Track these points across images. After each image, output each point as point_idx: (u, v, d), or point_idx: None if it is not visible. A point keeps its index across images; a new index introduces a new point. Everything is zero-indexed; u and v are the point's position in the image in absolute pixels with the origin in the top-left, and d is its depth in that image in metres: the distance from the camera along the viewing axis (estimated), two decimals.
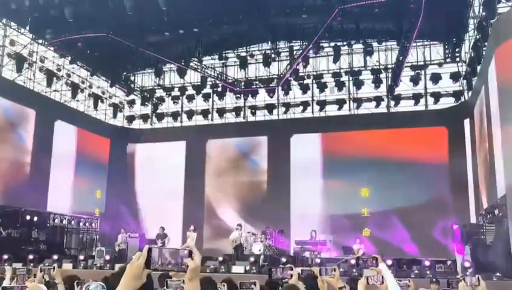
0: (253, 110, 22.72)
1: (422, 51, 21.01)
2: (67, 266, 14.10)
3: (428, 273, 12.41)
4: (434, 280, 8.77)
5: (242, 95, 22.46)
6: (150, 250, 1.71)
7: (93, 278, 4.45)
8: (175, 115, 23.65)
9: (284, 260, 13.82)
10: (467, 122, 19.13)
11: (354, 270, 11.29)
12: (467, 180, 18.58)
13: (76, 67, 21.98)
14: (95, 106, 23.04)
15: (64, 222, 18.95)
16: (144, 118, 24.33)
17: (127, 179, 22.52)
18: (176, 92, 23.56)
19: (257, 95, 22.35)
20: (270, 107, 22.29)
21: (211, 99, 23.04)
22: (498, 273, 11.27)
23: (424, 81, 20.55)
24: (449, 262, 13.15)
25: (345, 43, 20.76)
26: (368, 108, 21.08)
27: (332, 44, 20.61)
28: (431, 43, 21.01)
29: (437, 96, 20.14)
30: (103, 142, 23.16)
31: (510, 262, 11.30)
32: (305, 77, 21.62)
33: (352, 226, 19.15)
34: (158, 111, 24.05)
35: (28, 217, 17.11)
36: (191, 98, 23.11)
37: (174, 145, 23.06)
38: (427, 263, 12.91)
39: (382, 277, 3.13)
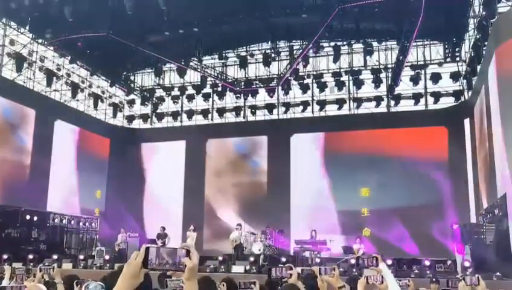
0: (253, 110, 22.72)
1: (422, 51, 21.01)
2: (67, 265, 14.09)
3: (428, 273, 12.40)
4: (434, 279, 8.76)
5: (242, 95, 22.45)
6: (147, 249, 1.70)
7: (93, 278, 4.44)
8: (175, 115, 23.66)
9: (283, 259, 13.82)
10: (467, 122, 19.12)
11: (354, 270, 11.28)
12: (467, 180, 18.58)
13: (76, 66, 21.99)
14: (95, 106, 23.04)
15: (64, 221, 18.93)
16: (144, 117, 24.33)
17: (126, 178, 22.49)
18: (175, 92, 23.56)
19: (257, 95, 22.35)
20: (270, 107, 22.29)
21: (210, 99, 23.03)
22: (498, 273, 11.26)
23: (424, 80, 20.54)
24: (449, 262, 13.14)
25: (345, 42, 20.76)
26: (368, 108, 21.09)
27: (332, 44, 20.61)
28: (431, 42, 21.01)
29: (437, 96, 20.13)
30: (103, 142, 23.15)
31: (510, 262, 11.29)
32: (305, 77, 21.61)
33: (352, 226, 19.15)
34: (158, 111, 24.05)
35: (27, 217, 17.10)
36: (190, 98, 23.11)
37: (174, 145, 23.07)
38: (427, 263, 12.90)
39: (382, 277, 3.12)
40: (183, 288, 1.84)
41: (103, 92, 23.82)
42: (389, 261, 12.01)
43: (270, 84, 21.98)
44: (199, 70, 22.54)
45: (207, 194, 22.10)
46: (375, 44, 20.21)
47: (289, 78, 20.93)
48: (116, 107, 24.22)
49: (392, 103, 20.83)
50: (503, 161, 12.88)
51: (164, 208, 21.81)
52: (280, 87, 21.50)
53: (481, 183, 17.03)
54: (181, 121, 23.80)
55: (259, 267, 13.60)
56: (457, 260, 13.52)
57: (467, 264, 12.31)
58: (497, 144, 13.69)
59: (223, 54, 22.36)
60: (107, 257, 14.87)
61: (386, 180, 19.06)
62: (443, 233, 16.67)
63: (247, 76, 22.77)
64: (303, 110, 21.81)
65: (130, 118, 24.53)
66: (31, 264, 12.76)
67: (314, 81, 21.63)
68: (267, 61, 21.38)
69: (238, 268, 13.63)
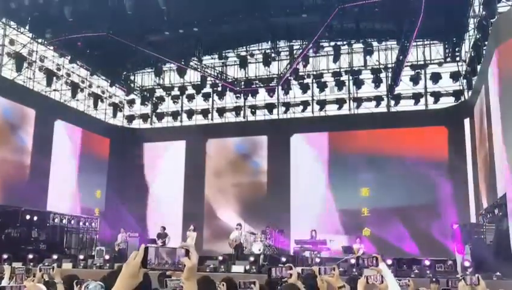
0: (253, 110, 22.71)
1: (422, 51, 21.01)
2: (67, 265, 14.08)
3: (428, 272, 12.39)
4: (434, 279, 8.75)
5: (242, 95, 22.45)
6: (146, 249, 1.70)
7: (92, 278, 4.43)
8: (175, 115, 23.65)
9: (283, 259, 13.81)
10: (467, 121, 19.12)
11: (354, 269, 11.28)
12: (467, 180, 18.58)
13: (76, 66, 21.98)
14: (95, 106, 23.03)
15: (64, 221, 18.93)
16: (144, 117, 24.32)
17: (126, 178, 22.49)
18: (175, 92, 23.56)
19: (257, 95, 22.34)
20: (270, 107, 22.29)
21: (210, 99, 23.03)
22: (498, 273, 11.26)
23: (424, 80, 20.54)
24: (449, 262, 13.13)
25: (345, 42, 20.75)
26: (368, 107, 21.08)
27: (332, 43, 20.61)
28: (431, 42, 21.00)
29: (437, 95, 20.13)
30: (103, 142, 23.15)
31: (510, 262, 11.29)
32: (305, 77, 21.61)
33: (352, 226, 19.16)
34: (158, 111, 24.05)
35: (27, 217, 17.10)
36: (190, 98, 23.11)
37: (174, 144, 23.06)
38: (427, 263, 12.89)
39: (382, 277, 3.12)
40: (183, 288, 1.84)
41: (103, 92, 23.82)
42: (389, 261, 12.01)
43: (270, 84, 21.97)
44: (199, 70, 22.53)
45: (207, 194, 22.10)
46: (375, 44, 20.21)
47: (289, 78, 20.93)
48: (116, 107, 24.21)
49: (392, 102, 20.83)
50: (503, 161, 12.86)
51: (164, 208, 21.81)
52: (280, 87, 21.50)
53: (481, 183, 17.03)
54: (181, 121, 23.80)
55: (259, 267, 13.59)
56: (457, 259, 13.52)
57: (467, 264, 12.30)
58: (497, 144, 13.68)
59: (223, 54, 22.36)
60: (107, 257, 14.86)
61: (386, 180, 19.07)
62: (443, 233, 16.67)
63: (247, 76, 22.76)
64: (303, 110, 21.81)
65: (130, 118, 24.53)
66: (31, 264, 12.75)
67: (314, 81, 21.63)
68: (267, 61, 21.37)
69: (238, 268, 13.62)
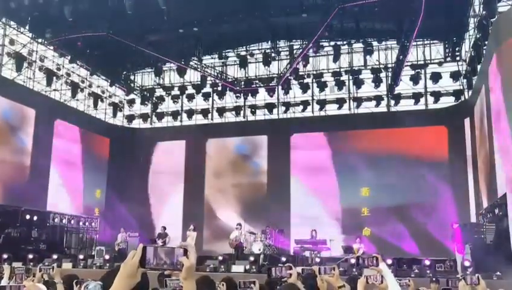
0: (253, 110, 22.72)
1: (423, 50, 21.00)
2: (67, 265, 14.08)
3: (428, 272, 12.39)
4: (434, 279, 8.75)
5: (242, 94, 22.45)
6: (144, 249, 1.69)
7: (92, 278, 4.43)
8: (175, 115, 23.65)
9: (283, 259, 13.81)
10: (467, 121, 19.10)
11: (354, 269, 11.27)
12: (467, 180, 18.57)
13: (76, 66, 21.98)
14: (95, 105, 23.03)
15: (64, 221, 18.93)
16: (144, 117, 24.32)
17: (126, 178, 22.49)
18: (175, 91, 23.56)
19: (257, 94, 22.35)
20: (270, 107, 22.29)
21: (210, 99, 23.03)
22: (498, 273, 11.25)
23: (424, 80, 20.53)
24: (449, 261, 13.14)
25: (345, 42, 20.74)
26: (368, 107, 21.08)
27: (332, 43, 20.60)
28: (431, 42, 20.99)
29: (437, 95, 20.12)
30: (103, 142, 23.15)
31: (510, 261, 11.28)
32: (305, 76, 21.60)
33: (352, 226, 19.15)
34: (158, 110, 24.04)
35: (27, 217, 17.10)
36: (190, 98, 23.11)
37: (174, 144, 23.06)
38: (427, 263, 12.89)
39: (382, 277, 3.11)
40: (182, 288, 1.83)
41: (103, 92, 23.81)
42: (389, 261, 12.00)
43: (270, 84, 21.97)
44: (199, 69, 22.52)
45: (207, 194, 22.09)
46: (375, 43, 20.21)
47: (289, 77, 20.92)
48: (116, 107, 24.21)
49: (392, 102, 20.82)
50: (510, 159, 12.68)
51: (164, 208, 21.81)
52: (280, 87, 21.49)
53: (481, 183, 17.01)
54: (181, 121, 23.80)
55: (259, 267, 13.59)
56: (457, 259, 13.52)
57: (467, 263, 12.30)
58: (497, 143, 13.66)
59: (223, 54, 22.35)
60: (107, 257, 14.86)
61: (386, 179, 19.05)
62: (443, 233, 16.66)
63: (247, 75, 22.76)
64: (303, 110, 21.80)
65: (130, 118, 24.52)
66: (31, 264, 12.75)
67: (314, 80, 21.63)
68: (267, 60, 21.37)
69: (238, 268, 13.62)
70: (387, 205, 18.87)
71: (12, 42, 19.49)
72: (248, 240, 16.22)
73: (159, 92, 24.16)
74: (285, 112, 22.21)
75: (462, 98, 20.01)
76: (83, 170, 21.23)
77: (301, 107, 21.75)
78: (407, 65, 19.87)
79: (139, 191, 22.67)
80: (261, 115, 22.79)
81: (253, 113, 22.79)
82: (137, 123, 24.66)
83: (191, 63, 22.46)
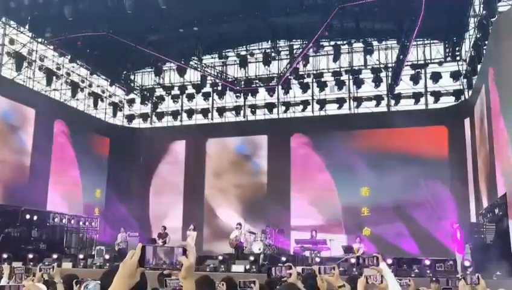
0: (253, 109, 22.71)
1: (423, 50, 20.99)
2: (67, 265, 14.09)
3: (429, 272, 12.39)
4: (434, 279, 8.76)
5: (242, 94, 22.45)
6: (143, 248, 1.68)
7: (92, 277, 4.43)
8: (175, 114, 23.65)
9: (283, 259, 13.81)
10: (467, 121, 19.09)
11: (354, 269, 11.27)
12: (467, 180, 18.56)
13: (76, 66, 21.98)
14: (95, 105, 23.03)
15: (64, 221, 18.91)
16: (144, 117, 24.31)
17: (126, 178, 22.47)
18: (175, 91, 23.56)
19: (257, 94, 22.35)
20: (270, 106, 22.28)
21: (210, 98, 23.03)
22: (498, 273, 11.25)
23: (424, 80, 20.53)
24: (449, 261, 13.13)
25: (345, 42, 20.73)
26: (368, 107, 21.07)
27: (332, 43, 20.60)
28: (431, 41, 20.99)
29: (437, 95, 20.12)
30: (103, 141, 23.15)
31: (510, 261, 11.28)
32: (305, 76, 21.59)
33: (352, 225, 19.15)
34: (158, 110, 24.04)
35: (27, 216, 17.08)
36: (190, 97, 23.11)
37: (174, 144, 23.05)
38: (427, 262, 12.89)
39: (381, 276, 3.11)
40: (182, 287, 1.82)
41: (103, 92, 23.81)
42: (389, 261, 12.01)
43: (270, 84, 21.96)
44: (199, 69, 22.51)
45: (207, 194, 22.09)
46: (375, 43, 20.21)
47: (289, 77, 20.91)
48: (116, 107, 24.21)
49: (392, 102, 20.82)
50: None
51: (164, 208, 21.80)
52: (280, 87, 21.49)
53: (481, 183, 17.01)
54: (181, 121, 23.79)
55: (259, 267, 13.59)
56: (457, 259, 13.52)
57: (467, 263, 12.30)
58: (497, 143, 13.65)
59: (223, 53, 22.35)
60: (107, 257, 14.87)
61: (386, 179, 19.03)
62: (443, 233, 16.66)
63: (247, 75, 22.75)
64: (303, 110, 21.80)
65: (130, 118, 24.51)
66: (31, 263, 12.75)
67: (314, 80, 21.62)
68: (267, 60, 21.36)
69: (238, 267, 13.62)
70: (387, 204, 18.87)
71: (12, 42, 19.48)
72: (248, 240, 16.22)
73: (159, 91, 24.16)
74: (285, 111, 22.21)
75: (462, 98, 20.01)
76: (83, 170, 21.21)
77: (301, 106, 21.75)
78: (407, 65, 19.86)
79: (139, 191, 22.68)
80: (261, 114, 22.79)
81: (253, 113, 22.78)
82: (137, 123, 24.66)
83: (191, 62, 22.46)
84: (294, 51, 21.22)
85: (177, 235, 19.27)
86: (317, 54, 21.25)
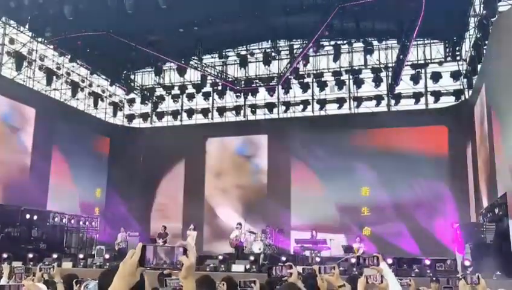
0: (253, 109, 22.71)
1: (423, 50, 20.98)
2: (67, 264, 14.09)
3: (429, 272, 12.41)
4: (434, 278, 8.76)
5: (242, 94, 22.45)
6: (144, 248, 1.68)
7: (92, 277, 4.43)
8: (175, 114, 23.65)
9: (284, 258, 13.81)
10: (467, 121, 19.08)
11: (355, 269, 11.27)
12: (467, 179, 18.57)
13: (76, 65, 21.98)
14: (95, 105, 23.03)
15: (64, 220, 18.91)
16: (144, 116, 24.32)
17: (126, 177, 22.48)
18: (176, 91, 23.56)
19: (257, 94, 22.36)
20: (270, 106, 22.28)
21: (211, 98, 23.03)
22: (498, 272, 11.25)
23: (425, 79, 20.53)
24: (449, 261, 13.13)
25: (345, 41, 20.73)
26: (368, 107, 21.07)
27: (332, 43, 20.60)
28: (431, 41, 20.98)
29: (437, 95, 20.12)
30: (103, 141, 23.15)
31: (510, 261, 11.28)
32: (305, 76, 21.60)
33: (352, 225, 19.14)
34: (158, 110, 24.04)
35: (27, 216, 17.08)
36: (191, 97, 23.11)
37: (174, 144, 23.03)
38: (427, 262, 12.90)
39: (381, 276, 3.11)
40: (182, 287, 1.82)
41: (103, 91, 23.81)
42: (390, 261, 12.01)
43: (270, 83, 21.97)
44: (199, 69, 22.52)
45: (207, 194, 22.09)
46: (375, 43, 20.21)
47: (289, 77, 20.92)
48: (116, 106, 24.21)
49: (393, 102, 20.82)
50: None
51: (164, 208, 21.79)
52: (280, 86, 21.49)
53: (481, 183, 17.00)
54: (181, 120, 23.79)
55: (260, 267, 13.60)
56: (457, 259, 13.52)
57: (467, 263, 12.30)
58: (497, 143, 13.65)
59: (223, 53, 22.35)
60: (107, 256, 14.88)
61: (386, 179, 19.04)
62: (443, 232, 16.67)
63: (247, 75, 22.75)
64: (303, 109, 21.80)
65: (130, 117, 24.51)
66: (31, 263, 12.75)
67: (314, 80, 21.62)
68: (267, 60, 21.37)
69: (238, 267, 13.62)
70: (387, 204, 18.88)
71: (12, 41, 19.47)
72: (248, 240, 16.22)
73: (159, 91, 24.16)
74: (286, 111, 22.21)
75: (463, 98, 20.01)
76: (83, 170, 21.19)
77: (301, 106, 21.75)
78: (407, 65, 19.87)
79: (139, 190, 22.66)
80: (261, 114, 22.80)
81: (254, 112, 22.79)
82: (137, 122, 24.67)
83: (191, 62, 22.47)
84: (295, 51, 21.22)
85: (177, 235, 19.25)
86: (317, 53, 21.26)
